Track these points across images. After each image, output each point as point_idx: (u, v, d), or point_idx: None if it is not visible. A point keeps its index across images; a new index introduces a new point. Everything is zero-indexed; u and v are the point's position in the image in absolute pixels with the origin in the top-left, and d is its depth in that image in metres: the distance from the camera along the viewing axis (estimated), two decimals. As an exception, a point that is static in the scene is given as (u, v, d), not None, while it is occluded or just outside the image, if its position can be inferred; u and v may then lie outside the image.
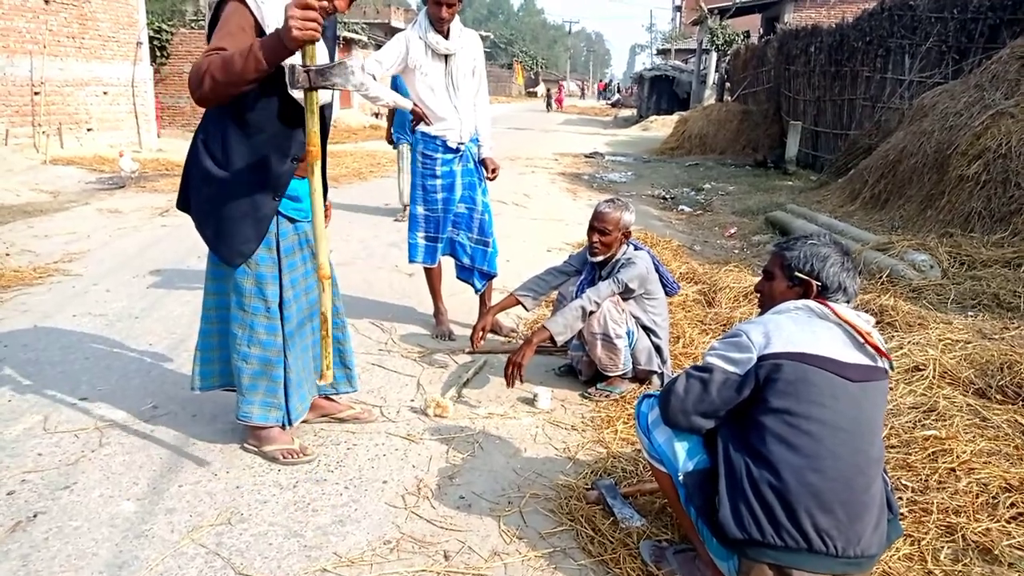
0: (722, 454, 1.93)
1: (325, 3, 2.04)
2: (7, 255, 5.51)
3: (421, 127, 3.83)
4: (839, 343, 1.91)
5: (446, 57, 3.74)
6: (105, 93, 12.56)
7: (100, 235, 6.41)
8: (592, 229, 3.29)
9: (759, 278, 2.24)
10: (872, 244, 5.55)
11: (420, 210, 3.92)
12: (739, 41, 20.28)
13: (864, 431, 1.86)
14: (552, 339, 3.07)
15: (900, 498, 2.40)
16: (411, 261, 3.99)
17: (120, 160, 9.79)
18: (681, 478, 2.02)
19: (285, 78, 2.11)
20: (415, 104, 3.81)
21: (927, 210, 6.19)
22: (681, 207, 9.20)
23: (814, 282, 2.02)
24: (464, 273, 4.08)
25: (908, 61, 9.70)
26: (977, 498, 2.39)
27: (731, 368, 1.93)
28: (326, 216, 2.73)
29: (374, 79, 3.71)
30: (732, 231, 7.51)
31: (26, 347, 3.62)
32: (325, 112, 2.59)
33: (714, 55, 21.91)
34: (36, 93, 10.98)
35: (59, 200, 8.34)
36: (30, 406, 2.98)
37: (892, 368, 2.01)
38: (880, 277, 4.90)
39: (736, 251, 6.62)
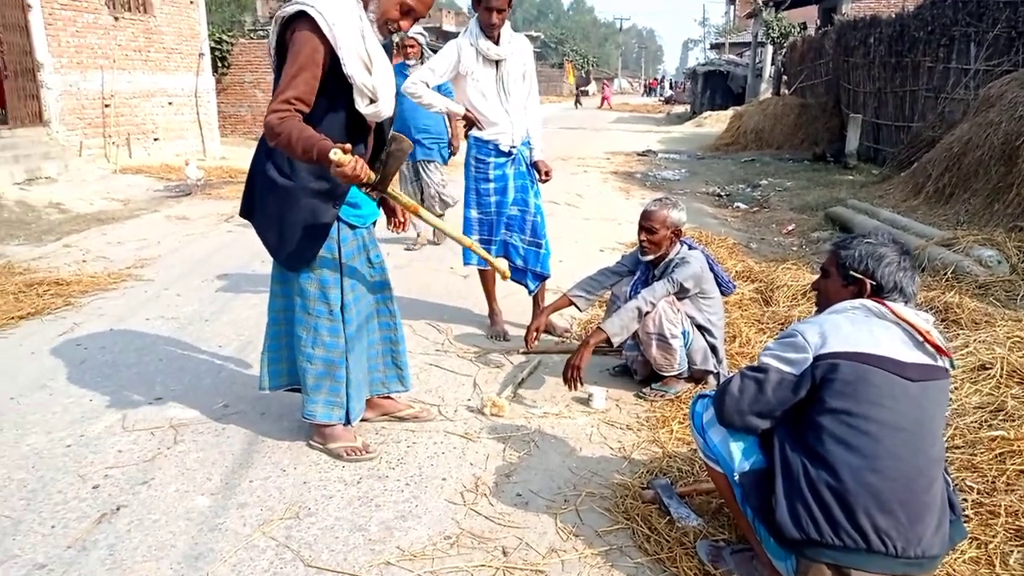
0: (779, 454, 1.94)
1: (364, 168, 2.20)
2: (83, 261, 5.80)
3: (474, 132, 3.91)
4: (898, 342, 1.89)
5: (497, 62, 3.80)
6: (170, 103, 13.05)
7: (169, 241, 6.68)
8: (640, 228, 3.31)
9: (817, 276, 2.23)
10: (936, 240, 5.39)
11: (473, 213, 3.99)
12: (795, 33, 19.84)
13: (925, 431, 1.85)
14: (608, 340, 3.10)
15: (965, 500, 2.35)
16: (465, 263, 4.06)
17: (186, 168, 10.16)
18: (737, 478, 2.03)
19: (352, 94, 2.32)
20: (467, 109, 3.89)
21: (994, 204, 5.98)
22: (737, 204, 9.08)
23: (868, 281, 2.00)
24: (517, 274, 4.13)
25: (974, 49, 9.36)
26: (1048, 501, 2.33)
27: (787, 368, 1.94)
28: (398, 223, 2.84)
29: (427, 87, 3.80)
30: (790, 228, 7.38)
31: (103, 349, 3.82)
32: (384, 125, 2.68)
33: (770, 48, 21.49)
34: (106, 105, 11.49)
35: (129, 208, 8.71)
36: (109, 405, 3.16)
37: (953, 367, 1.98)
38: (945, 274, 4.76)
39: (794, 248, 6.51)
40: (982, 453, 2.61)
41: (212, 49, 15.04)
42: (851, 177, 10.39)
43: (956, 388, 3.21)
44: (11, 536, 2.23)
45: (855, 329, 1.92)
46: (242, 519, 2.35)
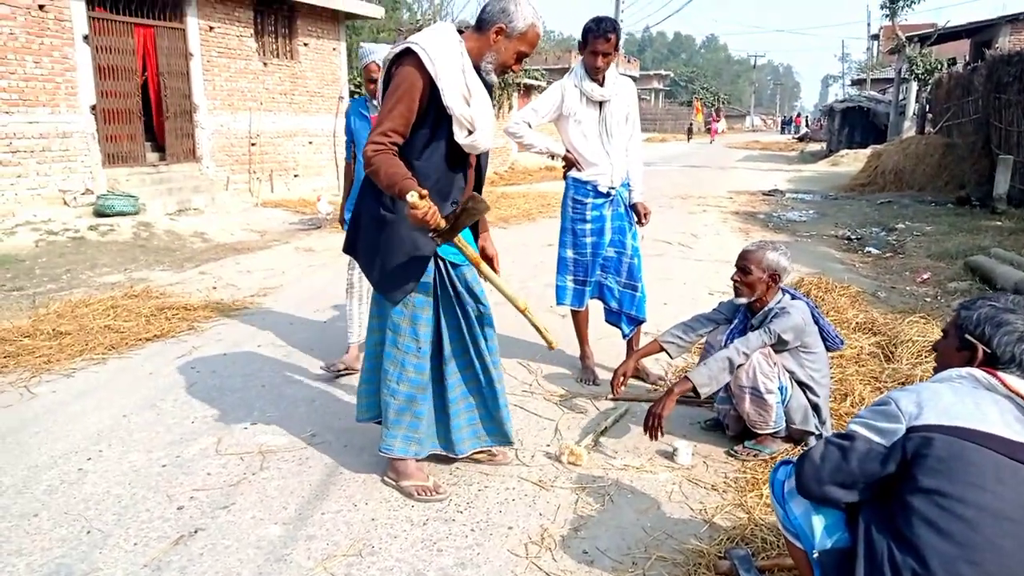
0: (863, 534, 1.75)
1: (435, 214, 2.27)
2: (214, 288, 6.24)
3: (572, 172, 3.89)
4: (1010, 419, 1.67)
5: (600, 104, 3.77)
6: (310, 143, 13.95)
7: (294, 271, 7.08)
8: (736, 267, 3.15)
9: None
10: (1096, 296, 4.78)
11: (569, 254, 3.95)
12: (941, 69, 18.58)
13: (1038, 524, 1.60)
14: (695, 390, 2.94)
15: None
16: (559, 303, 4.02)
17: (317, 203, 10.78)
18: (816, 555, 1.84)
19: (452, 125, 2.44)
20: (567, 150, 3.88)
21: None
22: (868, 249, 8.50)
23: (981, 348, 1.78)
24: (612, 317, 4.04)
25: None
26: None
27: (876, 438, 1.75)
28: (492, 264, 2.84)
29: (529, 127, 3.83)
30: (924, 277, 6.80)
31: (214, 373, 4.06)
32: (481, 160, 2.73)
33: (914, 85, 20.22)
34: (253, 144, 12.45)
35: (265, 239, 9.32)
36: (207, 428, 3.33)
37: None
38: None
39: (927, 299, 5.98)
40: None
41: (351, 92, 15.98)
42: (999, 223, 9.48)
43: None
44: (99, 549, 2.38)
45: (957, 400, 1.71)
46: (308, 552, 2.38)
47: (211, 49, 11.56)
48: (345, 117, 4.12)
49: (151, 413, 3.51)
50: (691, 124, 45.06)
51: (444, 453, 2.88)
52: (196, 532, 2.48)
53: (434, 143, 2.49)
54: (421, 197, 2.18)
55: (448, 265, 2.68)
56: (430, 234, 2.28)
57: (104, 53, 9.84)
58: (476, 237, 2.86)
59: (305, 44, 13.53)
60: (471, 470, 2.96)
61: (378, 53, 3.80)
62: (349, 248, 2.76)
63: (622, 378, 3.29)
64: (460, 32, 2.54)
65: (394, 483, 2.79)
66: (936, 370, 1.98)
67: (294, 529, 2.51)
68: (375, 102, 3.70)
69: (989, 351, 1.77)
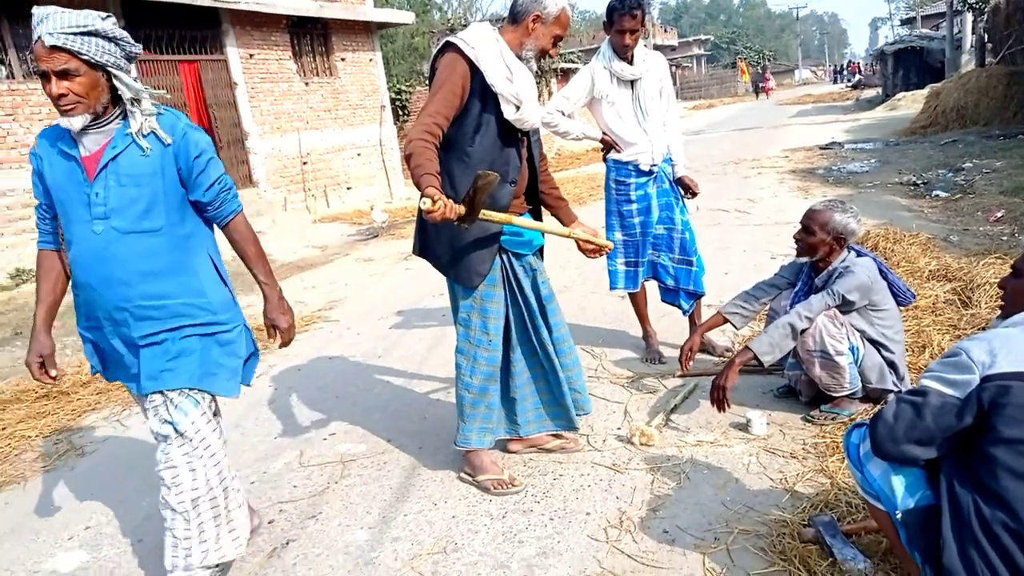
0: (946, 490, 1.71)
1: (452, 207, 2.26)
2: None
3: (612, 154, 3.86)
4: (1089, 360, 1.60)
5: (632, 83, 3.73)
6: (359, 155, 14.21)
7: (356, 283, 7.25)
8: (800, 224, 3.09)
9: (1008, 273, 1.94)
10: None
11: (618, 236, 3.93)
12: (999, -7, 17.57)
13: None
14: (758, 359, 2.90)
15: None
16: (612, 288, 4.01)
17: (372, 213, 10.98)
18: (899, 516, 1.81)
19: (500, 105, 2.55)
20: (604, 133, 3.85)
21: None
22: (935, 192, 8.14)
23: None
24: (669, 295, 4.00)
25: None
26: None
27: (949, 391, 1.70)
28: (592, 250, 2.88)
29: (563, 115, 3.82)
30: (999, 214, 6.49)
31: (289, 389, 4.21)
32: (531, 140, 2.80)
33: (968, 16, 19.21)
34: (304, 163, 12.76)
35: (326, 254, 9.55)
36: (290, 443, 3.47)
37: None
38: None
39: (1004, 238, 5.72)
40: None
41: (392, 100, 16.22)
42: (1079, 148, 8.96)
43: None
44: (201, 566, 2.51)
45: (1034, 344, 1.64)
46: (394, 553, 2.46)
47: (253, 76, 11.89)
48: (32, 162, 2.22)
49: (236, 434, 3.66)
50: (758, 83, 44.56)
51: (509, 438, 2.95)
52: (288, 543, 2.59)
53: (484, 126, 2.58)
54: (434, 201, 2.20)
55: (512, 256, 2.74)
56: (456, 224, 2.31)
57: (155, 94, 10.24)
58: (568, 227, 2.90)
59: (342, 59, 13.77)
60: (544, 460, 2.99)
61: (50, 20, 1.98)
62: (420, 250, 2.82)
63: (689, 353, 3.26)
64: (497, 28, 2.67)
65: (471, 478, 2.86)
66: (1003, 309, 1.91)
67: (379, 532, 2.60)
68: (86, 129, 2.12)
69: None
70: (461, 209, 2.27)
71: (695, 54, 59.61)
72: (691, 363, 3.29)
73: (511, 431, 2.94)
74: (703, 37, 64.31)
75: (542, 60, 2.76)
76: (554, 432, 3.03)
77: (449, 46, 2.56)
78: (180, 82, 10.69)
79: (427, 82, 2.94)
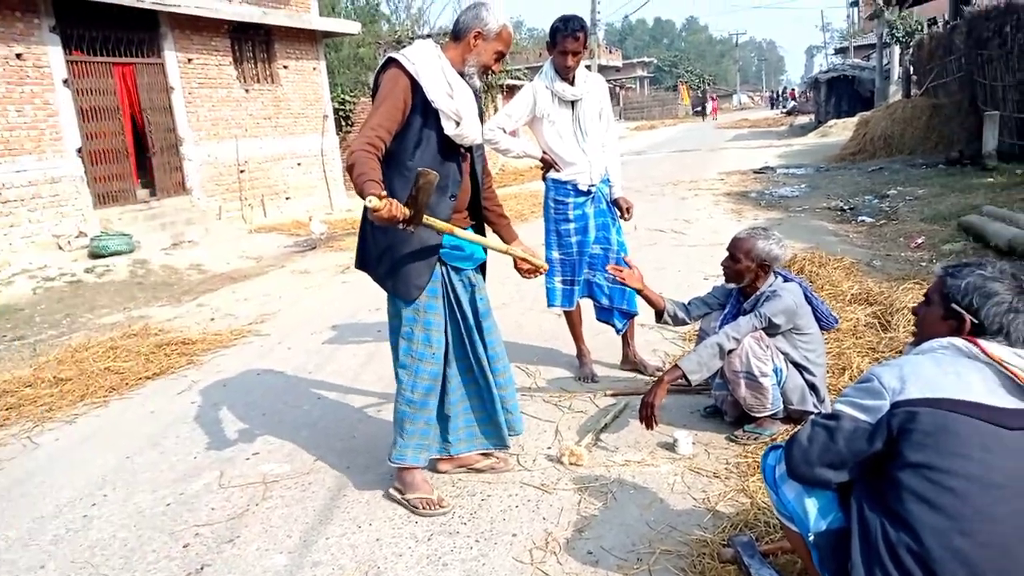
0: (856, 513, 1.75)
1: (399, 207, 2.26)
2: (212, 320, 6.25)
3: (551, 173, 3.89)
4: (992, 386, 1.66)
5: (573, 103, 3.78)
6: (299, 164, 13.98)
7: (290, 295, 7.09)
8: (727, 252, 3.16)
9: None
10: (1088, 246, 4.77)
11: (555, 255, 3.95)
12: (921, 31, 18.53)
13: (1028, 488, 1.60)
14: (687, 378, 2.94)
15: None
16: (550, 306, 4.03)
17: (310, 224, 10.80)
18: (812, 538, 1.84)
19: (440, 121, 2.57)
20: (544, 152, 3.88)
21: None
22: (861, 218, 8.49)
23: (969, 318, 1.77)
24: (604, 314, 4.04)
25: None
26: None
27: (861, 416, 1.75)
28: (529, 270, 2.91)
29: (504, 132, 3.83)
30: (919, 241, 6.80)
31: (214, 406, 4.07)
32: (474, 155, 2.81)
33: (896, 48, 20.18)
34: (241, 171, 12.48)
35: (260, 265, 9.34)
36: (210, 463, 3.35)
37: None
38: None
39: (923, 264, 5.98)
40: None
41: (336, 110, 16.01)
42: (990, 180, 9.46)
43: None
44: (107, 594, 2.39)
45: (940, 372, 1.70)
46: (314, 578, 2.39)
47: (191, 81, 11.60)
48: None
49: (154, 452, 3.52)
50: (702, 105, 47.84)
51: (439, 457, 2.93)
52: (202, 568, 2.49)
53: (424, 141, 2.60)
54: (380, 199, 2.20)
55: (451, 270, 2.74)
56: (400, 227, 2.30)
57: (85, 95, 9.88)
58: (509, 245, 2.94)
59: (285, 67, 13.56)
60: (473, 480, 2.96)
61: None
62: (360, 264, 2.80)
63: (649, 410, 2.92)
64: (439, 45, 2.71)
65: (400, 495, 2.81)
66: (915, 335, 1.97)
67: (299, 557, 2.52)
68: None
69: (976, 321, 1.75)
70: (406, 211, 2.26)
71: (638, 76, 60.87)
72: (656, 426, 2.99)
73: (442, 450, 2.91)
74: (646, 59, 65.70)
75: (485, 76, 2.80)
76: (484, 451, 3.01)
77: (391, 62, 2.59)
78: (114, 85, 10.33)
79: (371, 95, 2.99)
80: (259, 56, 13.19)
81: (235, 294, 7.43)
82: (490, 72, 2.78)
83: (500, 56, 2.72)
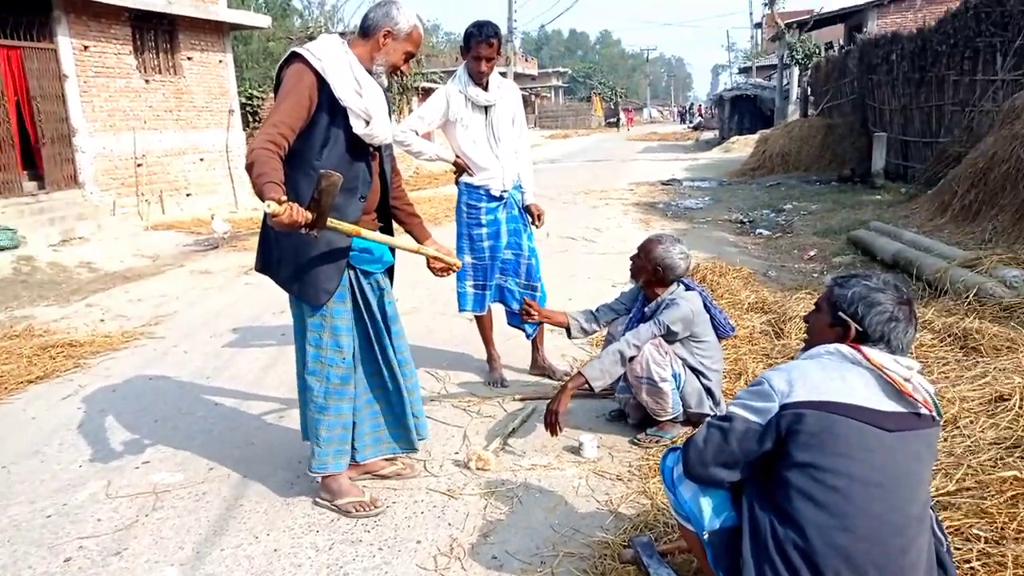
0: (747, 512, 1.82)
1: (300, 212, 2.18)
2: (102, 321, 5.91)
3: (464, 178, 3.89)
4: (873, 390, 1.76)
5: (486, 108, 3.78)
6: (201, 160, 13.43)
7: (188, 296, 6.79)
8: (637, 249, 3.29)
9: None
10: (958, 261, 5.16)
11: (467, 259, 3.95)
12: (819, 54, 19.64)
13: (902, 485, 1.71)
14: (589, 384, 3.00)
15: (970, 550, 2.18)
16: (461, 310, 4.02)
17: (212, 222, 10.38)
18: (707, 537, 1.91)
19: (349, 120, 2.48)
20: (457, 156, 3.88)
21: (1022, 220, 5.72)
22: (759, 231, 8.90)
23: (854, 326, 1.87)
24: (514, 319, 4.06)
25: (999, 60, 9.09)
26: (1065, 550, 2.14)
27: (753, 418, 1.82)
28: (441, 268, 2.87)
29: (416, 134, 3.81)
30: (811, 253, 7.18)
31: (102, 412, 3.85)
32: (383, 155, 2.74)
33: (795, 70, 21.28)
34: (139, 165, 11.88)
35: (157, 264, 8.90)
36: (97, 471, 3.16)
37: (940, 415, 1.83)
38: (967, 297, 4.54)
39: (815, 275, 6.32)
40: (993, 496, 2.42)
41: (243, 105, 15.47)
42: (878, 197, 10.12)
43: (971, 422, 3.03)
44: (-26, 616, 2.22)
45: (825, 376, 1.79)
46: (207, 591, 2.29)
47: (87, 69, 10.95)
48: None
49: (34, 461, 3.29)
50: (616, 117, 50.63)
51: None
52: (84, 584, 2.35)
53: (331, 140, 2.51)
54: (279, 203, 2.11)
55: (359, 274, 2.67)
56: (303, 232, 2.22)
57: (-37, 79, 9.18)
58: (421, 244, 2.90)
59: (189, 58, 13.01)
60: (378, 487, 2.91)
61: None
62: (261, 266, 2.69)
63: (554, 417, 2.93)
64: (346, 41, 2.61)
65: (329, 502, 2.74)
66: (806, 342, 2.07)
67: (191, 569, 2.41)
68: None
69: (861, 329, 1.85)
70: (308, 215, 2.18)
71: (553, 85, 61.78)
72: (561, 432, 3.01)
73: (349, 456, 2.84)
74: (561, 69, 66.82)
75: (393, 76, 2.74)
76: (389, 457, 2.96)
77: (295, 56, 2.47)
78: (-4, 68, 9.64)
79: (274, 90, 2.85)
80: (162, 46, 12.60)
81: (128, 294, 7.05)
82: (399, 73, 2.72)
83: (409, 56, 2.66)
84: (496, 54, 3.71)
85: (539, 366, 4.14)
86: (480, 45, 3.62)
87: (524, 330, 4.07)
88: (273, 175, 2.22)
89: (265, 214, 2.30)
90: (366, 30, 2.59)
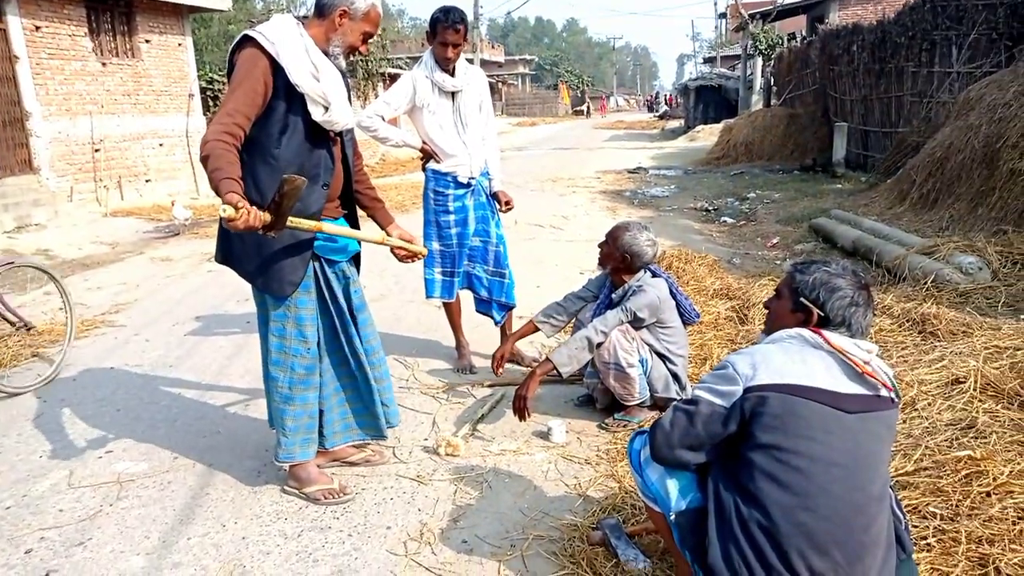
0: (712, 493, 1.86)
1: (257, 214, 2.12)
2: (60, 309, 5.76)
3: (431, 164, 3.87)
4: (834, 372, 1.80)
5: (453, 94, 3.76)
6: (161, 145, 13.12)
7: (149, 284, 6.66)
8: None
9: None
10: (916, 248, 5.30)
11: (435, 246, 3.93)
12: (782, 45, 19.88)
13: (862, 466, 1.75)
14: (557, 370, 3.02)
15: (927, 527, 2.25)
16: (428, 296, 4.01)
17: (173, 209, 10.16)
18: (673, 518, 1.94)
19: (307, 106, 2.39)
20: (424, 142, 3.85)
21: (978, 208, 5.90)
22: (723, 219, 9.01)
23: (816, 311, 1.90)
24: (483, 306, 4.07)
25: (955, 52, 9.31)
26: (1014, 525, 2.22)
27: (717, 401, 1.86)
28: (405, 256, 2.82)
29: (382, 120, 3.77)
30: (774, 241, 7.30)
31: (62, 401, 3.76)
32: (344, 140, 2.68)
33: (759, 60, 21.52)
34: (96, 150, 11.57)
35: (116, 251, 8.70)
36: (58, 461, 3.09)
37: (899, 397, 1.88)
38: (924, 283, 4.67)
39: (778, 263, 6.43)
40: (948, 475, 2.50)
41: (203, 89, 15.13)
42: (839, 186, 10.32)
43: (929, 404, 3.12)
44: (-69, 610, 2.16)
45: (787, 359, 1.83)
46: (173, 580, 2.27)
47: (40, 51, 10.61)
48: None
49: (-10, 453, 3.21)
50: (586, 107, 52.30)
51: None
52: (48, 574, 2.30)
53: (290, 128, 2.44)
54: (236, 208, 2.05)
55: (324, 263, 2.64)
56: (261, 233, 2.18)
57: (-92, 58, 8.82)
58: (385, 229, 2.84)
59: (147, 41, 12.68)
60: (347, 473, 2.90)
61: None
62: (222, 258, 2.63)
63: (500, 360, 3.34)
64: (301, 21, 2.53)
65: (298, 491, 2.73)
66: (767, 325, 2.11)
67: (158, 559, 2.38)
68: None
69: (822, 314, 1.89)
70: (267, 217, 2.13)
71: (520, 72, 61.62)
72: (502, 370, 3.37)
73: (317, 444, 2.82)
74: (528, 57, 66.70)
75: (354, 58, 2.69)
76: (358, 443, 2.95)
77: (247, 40, 2.38)
78: (-58, 48, 9.29)
79: (227, 75, 2.75)
80: (118, 28, 12.25)
81: (87, 282, 6.89)
82: (358, 54, 2.65)
83: (367, 36, 2.58)
84: (462, 40, 3.68)
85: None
86: (447, 31, 3.59)
87: (492, 317, 4.07)
88: (229, 170, 2.16)
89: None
90: (321, 9, 2.50)
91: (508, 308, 4.06)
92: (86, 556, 2.41)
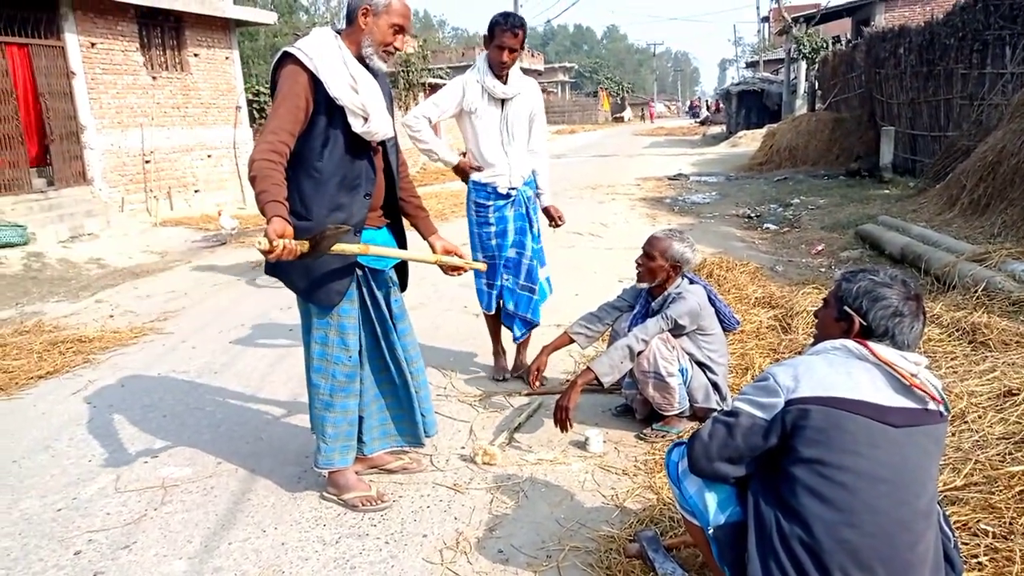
0: (752, 507, 1.82)
1: (292, 248, 2.16)
2: (111, 316, 5.95)
3: (473, 176, 3.83)
4: (880, 385, 1.75)
5: (503, 102, 3.73)
6: (209, 156, 13.47)
7: (196, 292, 6.82)
8: (642, 252, 3.23)
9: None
10: (967, 255, 5.13)
11: (480, 257, 3.91)
12: (826, 48, 19.53)
13: (909, 481, 1.70)
14: (599, 380, 3.00)
15: (978, 545, 2.17)
16: (485, 309, 3.97)
17: (220, 219, 10.40)
18: (712, 532, 1.91)
19: (347, 118, 2.44)
20: (461, 156, 3.84)
21: (1032, 214, 5.69)
22: (766, 225, 8.86)
23: (858, 320, 1.85)
24: (507, 319, 4.00)
25: (1008, 53, 9.02)
26: (1072, 544, 2.13)
27: (758, 413, 1.82)
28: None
29: (428, 123, 3.73)
30: (819, 248, 7.15)
31: (111, 407, 3.87)
32: (387, 149, 2.70)
33: (803, 64, 21.18)
34: (147, 161, 11.93)
35: (165, 260, 8.94)
36: (106, 466, 3.18)
37: (948, 410, 1.82)
38: (975, 291, 4.52)
39: (822, 270, 6.29)
40: (1001, 491, 2.42)
41: (250, 102, 15.50)
42: (886, 191, 10.07)
43: (979, 417, 3.02)
44: (-14, 608, 2.24)
45: (832, 371, 1.78)
46: (215, 584, 2.31)
47: (95, 66, 11.01)
48: None
49: (44, 455, 3.32)
50: (616, 117, 52.56)
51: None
52: (94, 577, 2.37)
53: (332, 140, 2.48)
54: (271, 242, 2.10)
55: (368, 272, 2.66)
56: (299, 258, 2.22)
57: (-29, 77, 9.23)
58: (427, 239, 2.89)
59: (195, 55, 13.04)
60: (385, 481, 2.93)
61: None
62: (271, 270, 2.66)
63: (536, 372, 3.32)
64: (338, 34, 2.56)
65: (336, 497, 2.76)
66: (815, 335, 2.07)
67: (199, 563, 2.43)
68: None
69: (865, 323, 1.83)
70: (304, 247, 2.18)
71: (560, 80, 61.63)
72: (538, 382, 3.35)
73: (356, 450, 2.85)
74: (568, 64, 66.70)
75: (389, 55, 2.57)
76: (396, 451, 2.97)
77: (287, 57, 2.42)
78: (5, 65, 9.68)
79: (270, 93, 2.81)
80: (168, 43, 12.64)
81: (137, 290, 7.09)
82: (393, 50, 2.56)
83: (399, 30, 2.52)
84: (520, 47, 3.61)
85: (519, 368, 4.08)
86: (505, 34, 3.54)
87: (512, 331, 4.01)
88: (276, 192, 2.21)
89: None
90: (350, 16, 2.52)
91: (531, 325, 3.99)
92: (131, 559, 2.47)
